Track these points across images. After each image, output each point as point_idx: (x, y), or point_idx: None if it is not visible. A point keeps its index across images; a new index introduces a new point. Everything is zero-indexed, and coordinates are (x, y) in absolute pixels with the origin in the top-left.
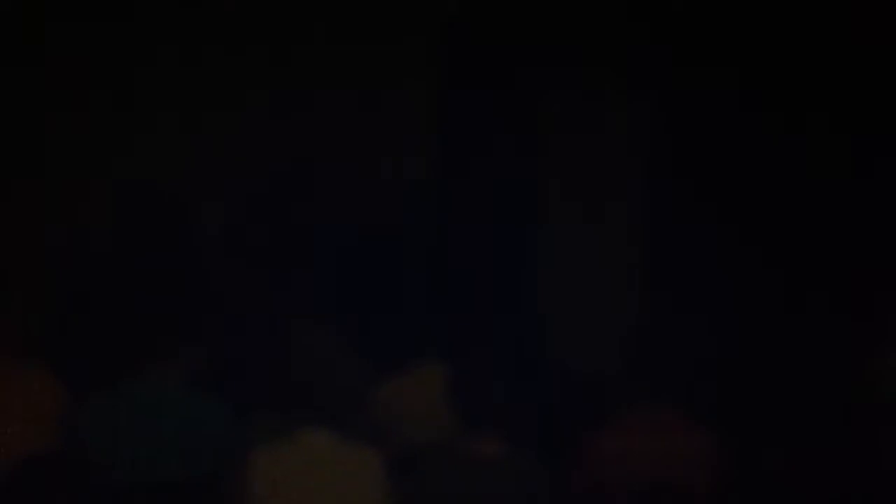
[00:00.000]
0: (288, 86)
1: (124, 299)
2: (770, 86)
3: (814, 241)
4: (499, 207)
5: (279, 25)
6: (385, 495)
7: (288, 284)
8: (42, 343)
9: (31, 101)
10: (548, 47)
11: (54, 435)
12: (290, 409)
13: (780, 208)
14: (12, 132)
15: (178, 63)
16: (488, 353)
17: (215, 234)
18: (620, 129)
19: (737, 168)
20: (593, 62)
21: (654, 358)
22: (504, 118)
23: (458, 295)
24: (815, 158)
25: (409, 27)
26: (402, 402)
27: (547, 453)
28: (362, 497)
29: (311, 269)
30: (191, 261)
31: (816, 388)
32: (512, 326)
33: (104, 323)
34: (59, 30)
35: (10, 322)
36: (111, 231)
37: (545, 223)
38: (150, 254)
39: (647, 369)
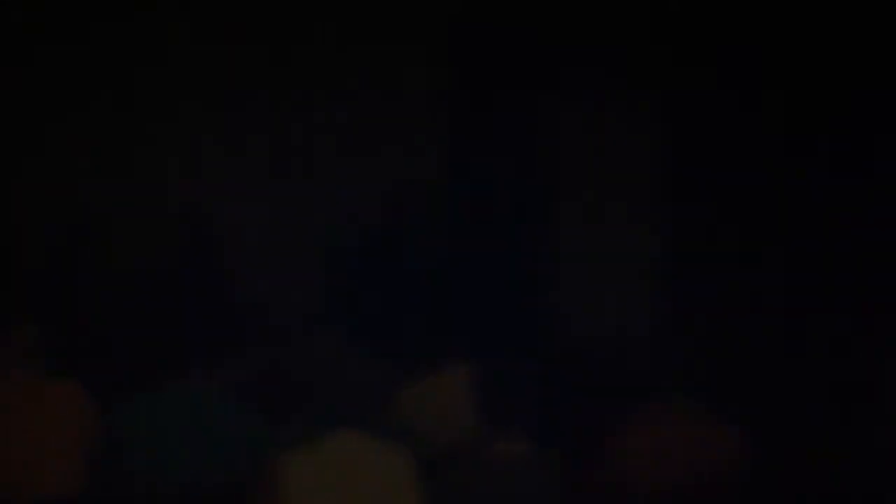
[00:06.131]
0: (288, 86)
1: (147, 307)
2: (770, 86)
3: (813, 239)
4: (500, 206)
5: (279, 25)
6: (414, 496)
7: (306, 288)
8: (72, 353)
9: (31, 102)
10: (548, 47)
11: (86, 443)
12: (317, 412)
13: (779, 207)
14: (12, 132)
15: (178, 63)
16: (512, 353)
17: (220, 236)
18: (621, 129)
19: (737, 167)
20: (593, 62)
21: (673, 355)
22: (504, 118)
23: (471, 295)
24: (814, 158)
25: (410, 27)
26: (428, 402)
27: (572, 452)
28: (392, 498)
29: (325, 271)
30: (206, 265)
31: (826, 385)
32: (528, 326)
33: (132, 331)
34: (59, 30)
35: (37, 333)
36: (121, 234)
37: (544, 222)
38: (168, 259)
39: (666, 367)
